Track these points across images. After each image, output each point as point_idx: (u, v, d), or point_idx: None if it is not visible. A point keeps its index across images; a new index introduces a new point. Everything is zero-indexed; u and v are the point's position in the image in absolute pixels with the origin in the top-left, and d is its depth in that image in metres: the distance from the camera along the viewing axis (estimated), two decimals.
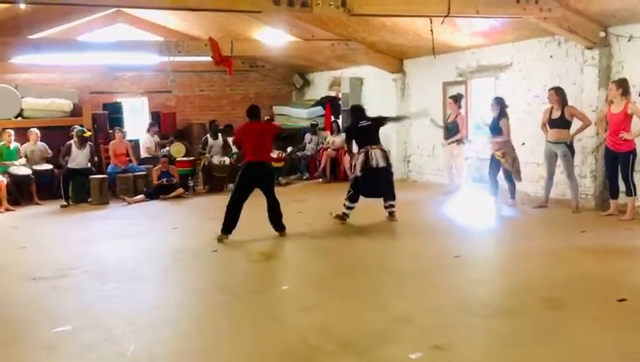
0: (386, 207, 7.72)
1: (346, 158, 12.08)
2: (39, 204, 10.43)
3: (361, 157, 7.49)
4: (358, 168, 7.53)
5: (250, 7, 6.69)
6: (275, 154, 12.50)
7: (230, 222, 6.89)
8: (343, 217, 7.63)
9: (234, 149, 12.18)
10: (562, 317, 4.24)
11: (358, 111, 8.09)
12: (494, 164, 8.47)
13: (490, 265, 6.03)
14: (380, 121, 8.01)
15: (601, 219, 7.43)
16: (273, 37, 11.58)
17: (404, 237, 7.00)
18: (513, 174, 8.34)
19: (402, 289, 5.05)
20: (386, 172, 7.66)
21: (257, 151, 6.99)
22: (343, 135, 12.57)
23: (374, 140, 7.65)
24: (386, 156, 7.65)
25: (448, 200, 9.31)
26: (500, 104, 8.38)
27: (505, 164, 8.30)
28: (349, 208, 7.62)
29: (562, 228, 7.08)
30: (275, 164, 12.44)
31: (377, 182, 7.57)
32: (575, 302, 4.54)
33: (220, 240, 6.85)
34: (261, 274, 5.79)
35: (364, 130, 7.67)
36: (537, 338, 3.86)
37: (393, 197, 7.73)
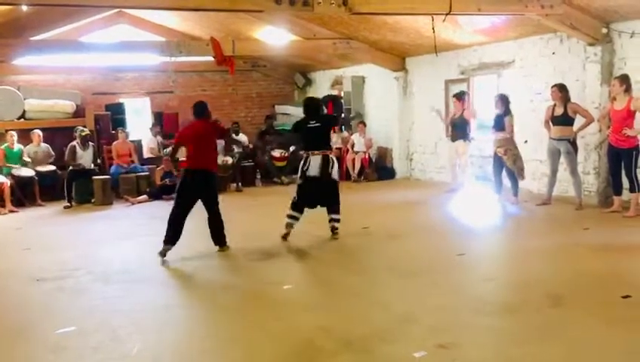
0: (329, 221, 6.88)
1: (349, 157, 12.10)
2: (42, 206, 10.46)
3: (302, 162, 6.75)
4: (299, 174, 6.78)
5: (251, 6, 6.70)
6: (278, 153, 12.55)
7: (171, 236, 6.26)
8: (287, 228, 6.77)
9: (236, 149, 12.20)
10: (566, 315, 4.24)
11: (311, 107, 6.99)
12: (498, 161, 8.46)
13: (494, 262, 6.03)
14: (332, 120, 7.53)
15: (604, 216, 7.42)
16: (275, 36, 11.58)
17: (408, 236, 6.99)
18: (516, 172, 8.32)
19: (406, 288, 5.05)
20: (326, 182, 6.76)
21: (199, 157, 6.35)
22: (345, 133, 12.62)
23: (319, 145, 6.79)
24: (325, 164, 6.70)
25: (451, 199, 9.30)
26: (505, 101, 8.38)
27: (507, 162, 8.28)
28: (291, 217, 6.77)
29: (565, 226, 7.08)
30: (277, 163, 12.52)
31: (316, 192, 6.77)
32: (579, 299, 4.54)
33: (163, 254, 6.23)
34: (264, 273, 5.78)
35: (313, 131, 6.81)
36: (541, 336, 3.86)
37: (336, 210, 6.86)
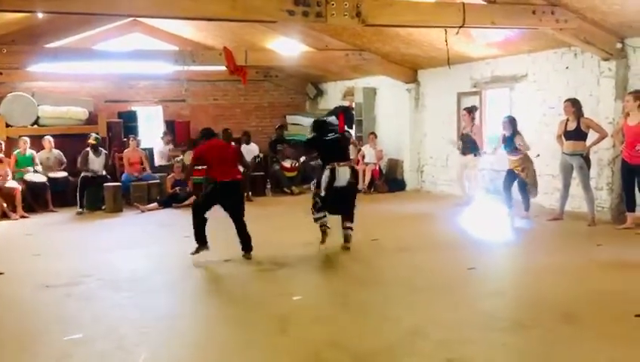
0: (343, 228, 6.87)
1: (359, 168, 12.06)
2: (54, 212, 10.51)
3: (327, 173, 6.71)
4: (322, 185, 6.73)
5: (264, 17, 6.71)
6: (288, 163, 12.55)
7: (199, 233, 6.66)
8: (323, 232, 6.86)
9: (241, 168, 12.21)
10: (577, 332, 4.18)
11: (320, 127, 7.05)
12: (510, 175, 8.44)
13: (505, 278, 5.96)
14: (348, 139, 7.50)
15: (617, 233, 7.33)
16: (287, 47, 11.62)
17: (417, 249, 6.94)
18: (530, 189, 8.29)
19: (416, 302, 5.00)
20: (351, 191, 6.89)
21: (225, 169, 6.60)
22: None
23: (343, 156, 6.94)
24: (353, 174, 6.92)
25: (462, 212, 9.24)
26: (513, 123, 8.38)
27: (526, 179, 8.28)
28: (320, 218, 6.85)
29: (578, 242, 7.00)
30: (288, 174, 12.52)
31: (338, 200, 6.80)
32: (591, 316, 4.47)
33: (196, 252, 6.62)
34: (273, 284, 5.77)
35: (333, 143, 6.87)
36: (552, 353, 3.80)
37: (351, 219, 6.87)
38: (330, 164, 6.76)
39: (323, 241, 6.89)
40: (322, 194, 6.76)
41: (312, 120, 7.82)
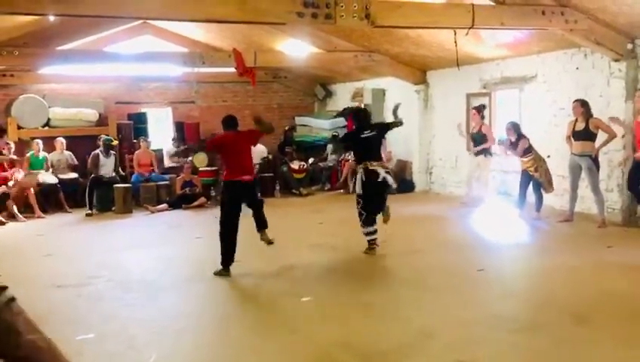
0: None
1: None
2: (69, 212, 10.58)
3: (361, 173, 6.64)
4: (358, 187, 6.66)
5: (274, 19, 6.74)
6: (296, 165, 12.56)
7: (228, 254, 6.09)
8: (372, 247, 6.71)
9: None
10: (588, 334, 4.16)
11: (362, 117, 7.00)
12: (525, 177, 8.44)
13: (515, 279, 5.95)
14: (387, 127, 7.40)
15: (628, 234, 7.29)
16: (296, 48, 11.64)
17: (427, 250, 6.93)
18: (545, 185, 8.29)
19: (425, 303, 5.00)
20: (386, 188, 6.79)
21: (238, 167, 6.22)
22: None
23: (376, 155, 6.83)
24: (388, 173, 6.84)
25: (471, 213, 9.21)
26: (516, 128, 8.43)
27: (539, 178, 8.29)
28: (370, 233, 6.71)
29: (588, 243, 6.96)
30: (296, 175, 12.53)
31: (379, 199, 6.76)
32: (601, 318, 4.45)
33: (219, 274, 6.05)
34: (282, 285, 5.77)
35: (367, 141, 6.74)
36: (562, 355, 3.79)
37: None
38: (362, 163, 6.69)
39: (370, 251, 6.74)
40: (362, 193, 6.62)
41: (350, 108, 7.65)
